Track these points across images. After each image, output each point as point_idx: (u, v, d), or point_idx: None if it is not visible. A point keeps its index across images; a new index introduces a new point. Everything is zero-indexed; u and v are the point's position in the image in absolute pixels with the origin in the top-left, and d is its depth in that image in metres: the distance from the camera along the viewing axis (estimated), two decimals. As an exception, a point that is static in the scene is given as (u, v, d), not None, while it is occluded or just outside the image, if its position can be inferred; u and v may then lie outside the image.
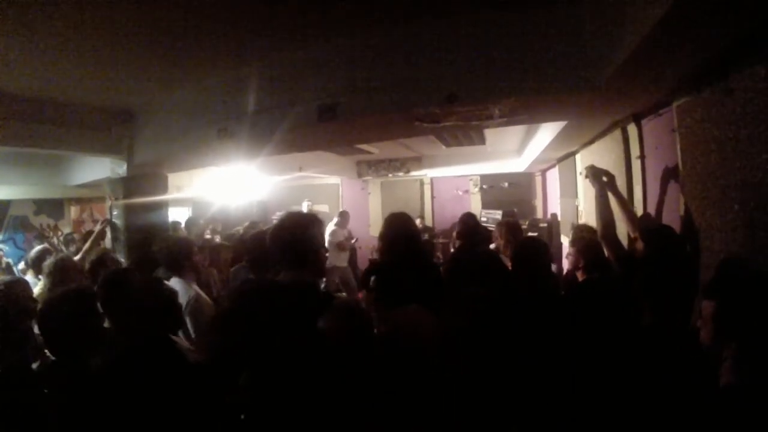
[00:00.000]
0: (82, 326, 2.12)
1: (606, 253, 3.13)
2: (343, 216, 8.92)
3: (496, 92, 3.13)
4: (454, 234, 4.72)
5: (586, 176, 3.42)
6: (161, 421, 1.80)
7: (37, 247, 4.53)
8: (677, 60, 2.41)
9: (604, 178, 3.30)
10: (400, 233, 3.06)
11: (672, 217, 3.26)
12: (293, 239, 2.18)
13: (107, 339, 2.34)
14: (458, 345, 2.44)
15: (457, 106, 3.25)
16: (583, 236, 3.24)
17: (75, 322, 2.10)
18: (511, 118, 3.55)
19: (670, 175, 3.31)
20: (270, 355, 1.92)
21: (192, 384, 1.98)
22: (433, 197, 11.44)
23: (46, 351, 2.59)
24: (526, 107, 3.41)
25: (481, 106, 3.32)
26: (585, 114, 3.87)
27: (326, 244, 7.91)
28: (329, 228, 8.74)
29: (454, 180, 10.95)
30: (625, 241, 3.43)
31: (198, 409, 1.88)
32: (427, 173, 10.79)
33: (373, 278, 2.72)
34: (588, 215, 5.42)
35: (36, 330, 2.74)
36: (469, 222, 4.24)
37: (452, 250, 5.62)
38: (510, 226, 4.24)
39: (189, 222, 6.86)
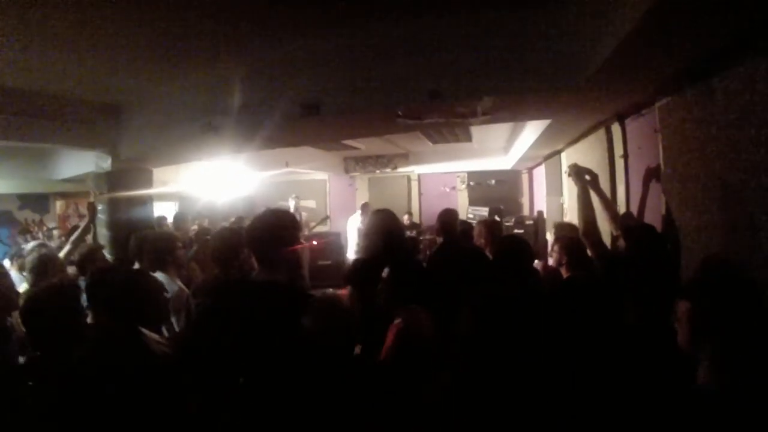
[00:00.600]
0: (65, 321, 2.11)
1: (588, 250, 3.16)
2: (366, 208, 8.91)
3: (478, 90, 3.17)
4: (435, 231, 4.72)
5: (570, 174, 3.46)
6: (126, 413, 1.82)
7: (32, 244, 4.48)
8: (658, 61, 2.46)
9: (587, 177, 3.33)
10: (385, 232, 3.06)
11: (654, 217, 3.31)
12: (270, 238, 2.18)
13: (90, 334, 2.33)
14: (461, 344, 2.47)
15: (439, 103, 3.28)
16: (565, 234, 3.27)
17: (58, 316, 2.09)
18: (494, 115, 3.59)
19: (652, 174, 3.35)
20: (251, 354, 1.93)
21: (155, 375, 1.98)
22: (420, 194, 11.48)
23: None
24: (509, 105, 3.45)
25: (464, 103, 3.35)
26: (568, 113, 3.92)
27: (350, 236, 7.95)
28: (354, 220, 8.76)
29: (442, 177, 11.00)
30: (608, 239, 3.48)
31: (162, 401, 1.89)
32: (415, 170, 10.84)
33: (387, 271, 2.70)
34: (573, 213, 5.48)
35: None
36: (447, 219, 4.24)
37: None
38: (489, 225, 4.29)
39: (177, 218, 6.83)
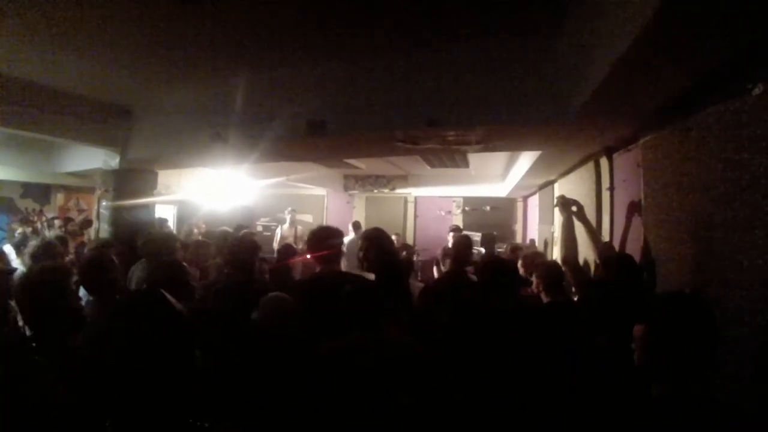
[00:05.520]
0: (56, 300, 2.15)
1: (568, 277, 3.31)
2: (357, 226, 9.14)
3: (472, 119, 3.37)
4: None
5: (557, 205, 3.63)
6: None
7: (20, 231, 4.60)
8: (641, 96, 2.60)
9: (574, 208, 3.50)
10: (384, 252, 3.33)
11: (635, 247, 3.46)
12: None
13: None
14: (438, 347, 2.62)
15: (436, 130, 3.47)
16: (543, 262, 3.43)
17: (52, 295, 2.14)
18: (487, 144, 3.77)
19: (634, 207, 3.52)
20: None
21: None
22: (416, 216, 11.59)
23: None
24: (502, 135, 3.63)
25: (459, 131, 3.54)
26: (558, 144, 4.10)
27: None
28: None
29: (438, 200, 11.15)
30: (592, 268, 3.64)
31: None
32: (412, 192, 10.99)
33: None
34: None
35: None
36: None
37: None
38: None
39: (180, 220, 6.94)
